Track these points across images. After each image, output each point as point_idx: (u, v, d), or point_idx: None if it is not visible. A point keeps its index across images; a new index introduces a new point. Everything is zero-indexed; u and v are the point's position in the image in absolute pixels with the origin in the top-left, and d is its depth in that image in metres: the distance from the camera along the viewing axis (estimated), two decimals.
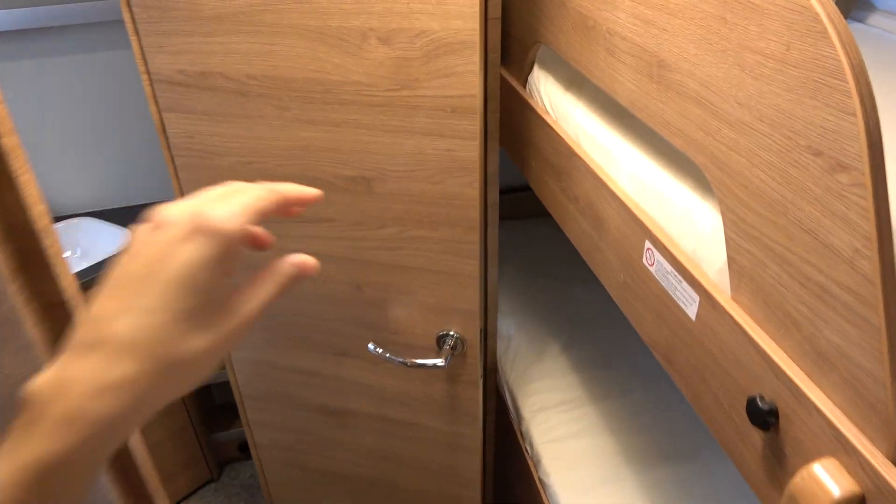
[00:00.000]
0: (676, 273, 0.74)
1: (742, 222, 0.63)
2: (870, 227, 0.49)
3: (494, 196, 1.42)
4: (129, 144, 1.87)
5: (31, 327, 0.62)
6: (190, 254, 0.35)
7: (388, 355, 1.20)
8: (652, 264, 0.79)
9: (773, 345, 0.61)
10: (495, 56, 1.23)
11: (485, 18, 1.19)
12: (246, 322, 0.38)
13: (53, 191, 1.89)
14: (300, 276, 0.41)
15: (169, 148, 1.16)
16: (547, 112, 1.10)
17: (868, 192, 0.48)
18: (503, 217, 2.02)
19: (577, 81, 1.05)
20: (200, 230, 0.35)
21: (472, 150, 0.99)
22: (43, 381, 0.32)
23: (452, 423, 1.34)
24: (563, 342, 1.70)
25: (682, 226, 0.75)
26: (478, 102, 0.96)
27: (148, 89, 1.11)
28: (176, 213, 0.36)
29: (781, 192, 0.57)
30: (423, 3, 0.88)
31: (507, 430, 1.60)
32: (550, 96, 1.09)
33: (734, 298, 0.67)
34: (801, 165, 0.54)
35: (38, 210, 0.61)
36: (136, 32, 1.05)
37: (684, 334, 0.74)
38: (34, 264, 0.62)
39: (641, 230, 0.81)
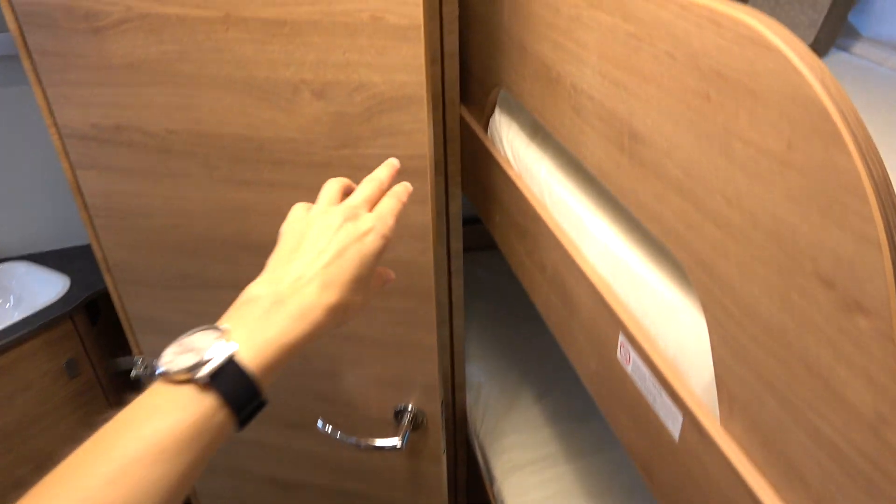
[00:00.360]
0: (656, 381, 0.63)
1: (734, 341, 0.52)
2: None
3: (458, 245, 1.31)
4: (55, 185, 1.73)
5: None
6: (373, 246, 0.54)
7: (338, 435, 1.08)
8: (628, 362, 0.68)
9: (772, 494, 0.50)
10: (453, 94, 1.12)
11: (441, 54, 1.08)
12: (377, 287, 0.59)
13: None
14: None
15: (86, 208, 1.02)
16: (510, 164, 0.99)
17: (895, 347, 0.37)
18: (470, 248, 1.90)
19: (542, 132, 0.94)
20: (381, 233, 0.55)
21: (423, 216, 0.87)
22: (258, 291, 0.50)
23: (415, 495, 1.22)
24: (537, 391, 1.58)
25: (662, 323, 0.64)
26: (427, 163, 0.84)
27: (57, 144, 0.98)
28: (367, 215, 0.55)
29: (783, 321, 0.46)
30: (361, 53, 0.76)
31: (479, 487, 1.49)
32: (513, 146, 0.98)
33: (725, 426, 0.56)
34: (807, 294, 0.43)
35: None
36: (39, 82, 0.92)
37: (666, 452, 0.63)
38: None
39: (614, 320, 0.69)
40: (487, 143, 1.06)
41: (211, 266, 0.99)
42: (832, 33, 1.26)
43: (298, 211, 0.57)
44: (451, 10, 1.03)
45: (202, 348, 0.43)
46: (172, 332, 1.12)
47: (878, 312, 0.38)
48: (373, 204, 0.58)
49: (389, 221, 0.56)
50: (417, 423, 1.08)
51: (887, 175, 0.38)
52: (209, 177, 0.91)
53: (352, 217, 0.54)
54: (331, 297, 0.50)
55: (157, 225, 0.98)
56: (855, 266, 0.39)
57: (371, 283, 0.55)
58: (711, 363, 0.56)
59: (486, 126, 1.10)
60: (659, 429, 0.63)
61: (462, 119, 1.14)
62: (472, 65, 1.10)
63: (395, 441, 1.02)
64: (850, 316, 0.40)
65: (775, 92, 0.43)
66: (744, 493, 0.52)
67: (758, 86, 0.44)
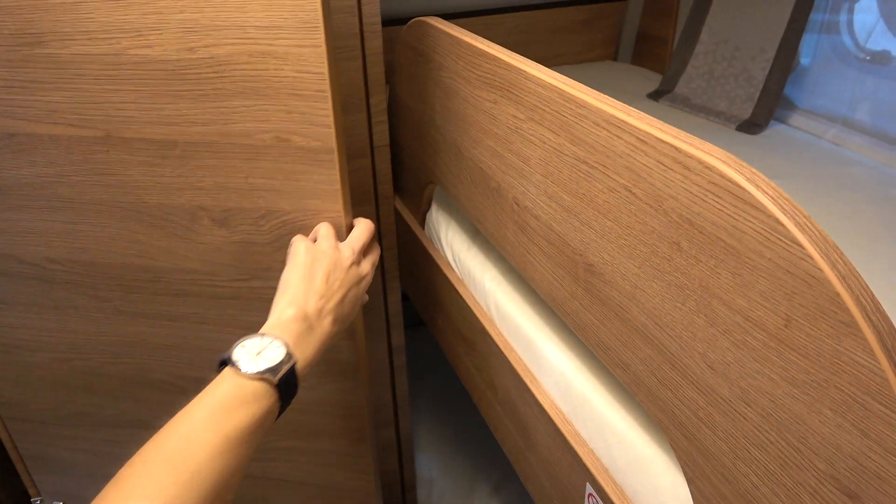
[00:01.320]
0: None
1: None
2: None
3: (399, 340, 1.21)
4: None
5: None
6: (364, 290, 0.67)
7: None
8: None
9: None
10: (386, 188, 1.04)
11: (370, 147, 1.00)
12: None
13: None
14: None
15: None
16: (450, 266, 0.90)
17: None
18: (414, 324, 1.80)
19: (483, 236, 0.86)
20: (369, 281, 0.67)
21: (349, 352, 0.76)
22: (294, 313, 0.59)
23: None
24: (495, 480, 1.48)
25: (636, 479, 0.55)
26: None
27: None
28: (365, 262, 0.67)
29: None
30: (267, 177, 0.66)
31: None
32: (453, 247, 0.90)
33: None
34: (818, 495, 0.36)
35: None
36: None
37: None
38: None
39: (579, 467, 0.61)
40: (425, 242, 0.98)
41: (109, 403, 0.86)
42: (770, 107, 1.25)
43: (304, 242, 0.64)
44: (379, 102, 0.96)
45: (275, 358, 0.54)
46: (75, 473, 0.97)
47: None
48: (365, 243, 0.67)
49: (373, 273, 0.68)
50: None
51: None
52: (100, 309, 0.78)
53: (356, 262, 0.65)
54: (337, 329, 0.62)
55: (44, 360, 0.85)
56: (884, 481, 0.31)
57: (350, 320, 0.67)
58: None
59: (422, 221, 1.01)
60: None
61: (397, 212, 1.06)
62: (404, 157, 1.02)
63: None
64: None
65: (766, 258, 0.36)
66: None
67: (742, 247, 0.37)
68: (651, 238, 0.45)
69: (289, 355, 0.55)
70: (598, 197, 0.50)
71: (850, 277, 0.32)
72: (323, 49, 0.59)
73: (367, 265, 0.66)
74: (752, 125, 1.24)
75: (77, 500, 1.03)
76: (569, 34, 1.67)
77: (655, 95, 1.41)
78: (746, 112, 1.27)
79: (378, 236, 1.09)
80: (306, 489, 0.90)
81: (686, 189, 0.41)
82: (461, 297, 0.85)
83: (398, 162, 1.05)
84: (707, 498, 0.45)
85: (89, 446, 0.93)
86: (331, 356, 0.76)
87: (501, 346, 0.75)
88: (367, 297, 0.69)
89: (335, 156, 0.63)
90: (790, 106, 1.30)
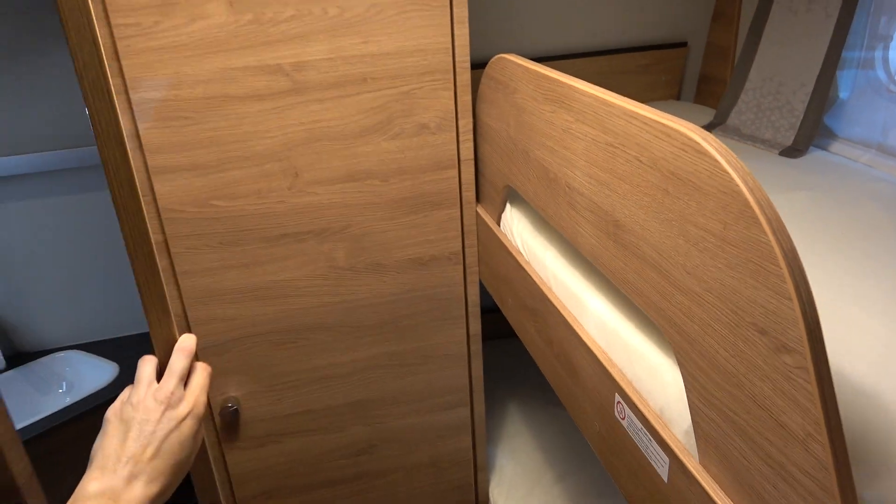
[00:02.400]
0: (646, 432, 0.72)
1: (703, 389, 0.63)
2: (817, 413, 0.48)
3: (476, 327, 1.42)
4: (111, 279, 1.89)
5: None
6: (190, 430, 0.65)
7: None
8: (623, 418, 0.78)
9: None
10: (469, 195, 1.27)
11: (458, 160, 1.24)
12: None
13: (40, 325, 1.90)
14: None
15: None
16: (520, 253, 1.12)
17: (812, 377, 0.48)
18: (494, 336, 2.01)
19: (547, 224, 1.08)
20: (196, 416, 0.65)
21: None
22: (97, 488, 0.58)
23: None
24: (558, 472, 1.64)
25: (649, 383, 0.74)
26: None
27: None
28: (184, 400, 0.66)
29: (735, 366, 0.57)
30: None
31: None
32: (523, 237, 1.12)
33: (702, 464, 0.65)
34: (750, 342, 0.55)
35: None
36: None
37: (660, 497, 0.72)
38: None
39: (611, 383, 0.80)
40: (500, 236, 1.20)
41: None
42: (809, 134, 1.41)
43: (116, 405, 0.66)
44: (466, 124, 1.20)
45: None
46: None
47: (798, 350, 0.49)
48: (185, 376, 0.68)
49: (203, 399, 0.67)
50: None
51: (793, 246, 0.50)
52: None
53: (171, 406, 0.64)
54: (154, 488, 0.60)
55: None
56: (779, 315, 0.50)
57: (193, 456, 0.65)
58: (689, 411, 0.66)
59: (498, 221, 1.24)
60: (651, 474, 0.72)
61: (478, 215, 1.29)
62: (485, 169, 1.26)
63: None
64: (779, 356, 0.51)
65: (713, 187, 0.56)
66: None
67: (701, 183, 0.57)
68: (651, 190, 0.66)
69: None
70: (619, 168, 0.71)
71: (756, 190, 0.52)
72: None
73: (185, 405, 0.65)
74: (793, 150, 1.41)
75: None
76: (635, 76, 1.89)
77: (709, 127, 1.60)
78: (789, 139, 1.43)
79: (461, 236, 1.32)
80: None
81: (670, 151, 0.61)
82: (528, 274, 1.06)
83: (480, 174, 1.29)
84: (692, 375, 0.64)
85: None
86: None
87: (557, 306, 0.95)
88: (192, 430, 0.65)
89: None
90: (830, 135, 1.46)
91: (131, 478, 0.59)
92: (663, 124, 0.62)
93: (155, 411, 0.63)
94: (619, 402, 0.79)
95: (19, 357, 1.87)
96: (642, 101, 0.68)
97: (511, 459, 1.69)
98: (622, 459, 0.79)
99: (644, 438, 0.73)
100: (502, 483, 1.63)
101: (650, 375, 0.74)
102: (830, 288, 0.83)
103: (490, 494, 1.62)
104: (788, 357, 0.50)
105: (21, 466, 0.67)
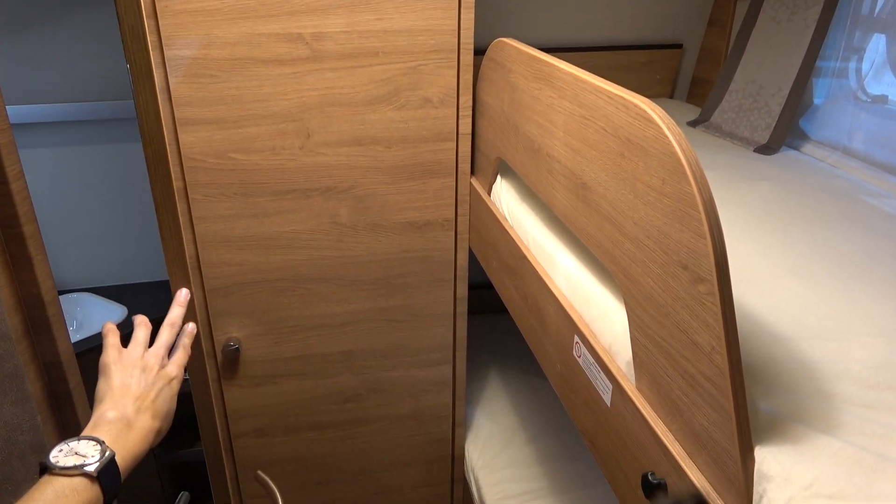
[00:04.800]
0: (597, 364, 0.85)
1: (641, 321, 0.75)
2: (720, 329, 0.60)
3: (463, 290, 1.54)
4: (127, 229, 2.01)
5: (32, 382, 0.72)
6: (176, 388, 0.77)
7: None
8: (579, 356, 0.90)
9: (664, 427, 0.71)
10: (465, 166, 1.39)
11: (456, 133, 1.36)
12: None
13: (57, 266, 2.02)
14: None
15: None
16: (506, 219, 1.24)
17: (717, 301, 0.60)
18: (483, 311, 2.13)
19: (530, 193, 1.20)
20: (179, 379, 0.78)
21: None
22: (115, 415, 0.68)
23: None
24: (530, 434, 1.77)
25: (602, 324, 0.86)
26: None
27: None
28: (171, 364, 0.79)
29: (664, 298, 0.69)
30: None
31: None
32: (509, 206, 1.24)
33: (638, 388, 0.77)
34: (676, 277, 0.67)
35: (48, 285, 0.72)
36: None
37: (603, 420, 0.84)
38: (39, 329, 0.72)
39: (571, 325, 0.92)
40: (490, 205, 1.32)
41: None
42: (782, 134, 1.53)
43: (113, 353, 0.76)
44: (466, 101, 1.32)
45: (88, 453, 0.60)
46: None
47: (708, 279, 0.61)
48: (169, 346, 0.81)
49: (182, 371, 0.80)
50: None
51: (712, 196, 0.62)
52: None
53: (163, 365, 0.78)
54: (157, 423, 0.72)
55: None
56: (697, 252, 0.63)
57: (172, 416, 0.77)
58: (630, 343, 0.78)
59: (489, 191, 1.36)
60: (598, 401, 0.84)
61: (471, 186, 1.41)
62: (481, 144, 1.37)
63: None
64: (695, 286, 0.63)
65: (656, 150, 0.68)
66: (648, 433, 0.73)
67: (648, 146, 0.69)
68: (612, 155, 0.77)
69: (104, 449, 0.60)
70: (589, 137, 0.83)
71: (687, 151, 0.64)
72: None
73: (173, 368, 0.78)
74: (766, 148, 1.52)
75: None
76: (631, 73, 2.00)
77: (694, 123, 1.72)
78: (764, 138, 1.55)
79: (455, 205, 1.44)
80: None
81: (627, 121, 0.73)
82: (511, 237, 1.18)
83: (476, 147, 1.41)
84: (634, 311, 0.76)
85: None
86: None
87: (533, 263, 1.07)
88: (177, 389, 0.78)
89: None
90: (803, 136, 1.57)
91: (139, 411, 0.69)
92: (622, 98, 0.74)
93: (152, 367, 0.75)
94: (577, 343, 0.91)
95: None
96: None
97: (488, 419, 1.81)
98: (577, 392, 0.92)
99: (594, 371, 0.85)
100: (478, 439, 1.76)
101: (602, 316, 0.86)
102: (770, 257, 0.96)
103: (466, 449, 1.75)
104: (702, 286, 0.62)
105: (75, 380, 0.79)
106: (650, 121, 0.68)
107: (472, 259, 1.48)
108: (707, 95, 1.93)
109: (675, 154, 0.64)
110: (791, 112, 1.52)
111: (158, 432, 0.71)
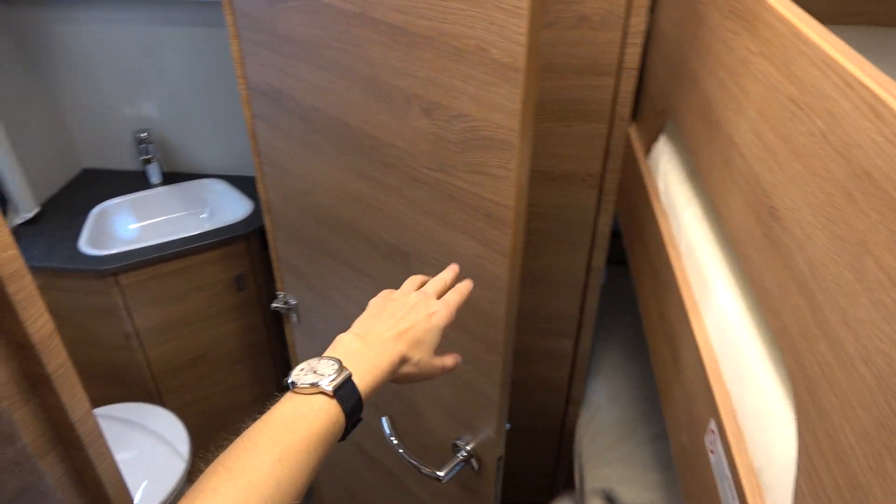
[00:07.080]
0: (733, 486, 0.56)
1: (818, 481, 0.44)
2: None
3: (600, 260, 1.25)
4: None
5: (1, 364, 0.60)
6: (437, 322, 0.68)
7: (393, 439, 1.09)
8: (713, 452, 0.61)
9: None
10: (624, 111, 1.06)
11: (618, 66, 1.02)
12: (437, 371, 0.71)
13: (192, 149, 1.98)
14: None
15: (258, 154, 1.12)
16: (658, 197, 0.91)
17: None
18: (614, 261, 1.79)
19: (695, 173, 0.86)
20: (443, 315, 0.68)
21: (500, 266, 0.80)
22: (350, 336, 0.64)
23: None
24: (655, 431, 1.48)
25: (755, 424, 0.56)
26: (512, 214, 0.75)
27: (243, 93, 1.07)
28: (436, 301, 0.70)
29: (870, 482, 0.38)
30: (465, 81, 0.71)
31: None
32: (667, 179, 0.90)
33: None
34: None
35: (9, 255, 0.57)
36: (237, 36, 1.01)
37: None
38: (4, 307, 0.59)
39: (710, 402, 0.62)
40: (644, 169, 0.99)
41: (331, 238, 1.04)
42: None
43: (384, 292, 0.72)
44: (637, 24, 0.97)
45: (325, 372, 0.58)
46: (307, 281, 1.20)
47: None
48: (440, 295, 0.72)
49: (452, 309, 0.70)
50: (472, 465, 1.03)
51: None
52: (338, 159, 0.93)
53: (424, 300, 0.69)
54: (402, 347, 0.64)
55: (299, 187, 1.04)
56: None
57: (432, 351, 0.68)
58: (792, 489, 0.48)
59: (648, 150, 1.02)
60: None
61: (628, 137, 1.08)
62: (650, 84, 1.02)
63: (439, 473, 0.98)
64: None
65: None
66: None
67: None
68: (830, 186, 0.44)
69: (340, 368, 0.58)
70: (796, 139, 0.50)
71: None
72: None
73: (436, 304, 0.69)
74: None
75: (303, 303, 1.27)
76: None
77: None
78: None
79: (604, 157, 1.12)
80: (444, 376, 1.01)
81: (873, 139, 0.39)
82: (659, 228, 0.86)
83: (642, 88, 1.06)
84: (809, 453, 0.46)
85: (314, 268, 1.14)
86: (481, 264, 0.83)
87: (680, 281, 0.76)
88: (438, 324, 0.69)
89: (521, 75, 0.64)
90: None
91: (380, 336, 0.65)
92: (876, 94, 0.39)
93: (410, 300, 0.69)
94: (712, 431, 0.61)
95: (174, 176, 1.98)
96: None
97: (609, 401, 1.55)
98: (699, 489, 0.64)
99: (729, 491, 0.56)
100: (594, 422, 1.51)
101: (758, 416, 0.56)
102: None
103: (577, 429, 1.52)
104: None
105: (56, 362, 0.65)
106: None
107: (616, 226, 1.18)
108: None
109: None
110: None
111: (405, 358, 0.65)
